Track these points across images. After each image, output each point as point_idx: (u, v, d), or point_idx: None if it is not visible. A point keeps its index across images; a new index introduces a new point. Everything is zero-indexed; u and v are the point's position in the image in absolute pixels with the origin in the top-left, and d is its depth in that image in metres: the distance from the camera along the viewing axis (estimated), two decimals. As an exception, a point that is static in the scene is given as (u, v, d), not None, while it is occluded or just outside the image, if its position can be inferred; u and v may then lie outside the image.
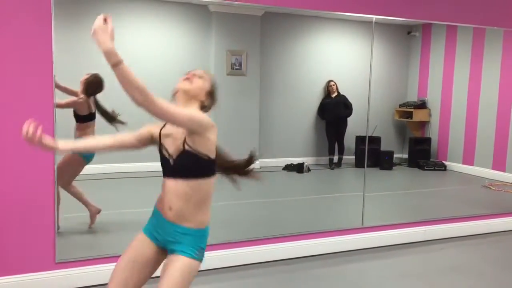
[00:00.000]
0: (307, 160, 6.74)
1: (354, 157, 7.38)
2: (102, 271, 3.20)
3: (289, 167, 6.80)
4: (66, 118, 5.91)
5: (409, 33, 7.95)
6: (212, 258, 3.51)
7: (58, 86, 3.52)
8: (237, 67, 6.88)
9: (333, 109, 7.34)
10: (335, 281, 3.37)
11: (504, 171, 6.30)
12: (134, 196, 5.32)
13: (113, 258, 3.24)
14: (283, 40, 7.30)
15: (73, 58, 6.13)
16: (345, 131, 7.39)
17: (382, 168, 7.27)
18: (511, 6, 4.54)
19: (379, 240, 4.11)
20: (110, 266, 3.23)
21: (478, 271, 3.63)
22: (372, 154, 6.92)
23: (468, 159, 6.96)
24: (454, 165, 7.17)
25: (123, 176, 6.04)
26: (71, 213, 4.28)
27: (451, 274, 3.55)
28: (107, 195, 5.28)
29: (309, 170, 6.69)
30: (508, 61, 6.27)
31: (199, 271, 3.43)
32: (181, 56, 6.70)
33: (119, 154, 6.14)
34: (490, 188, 5.97)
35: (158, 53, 6.58)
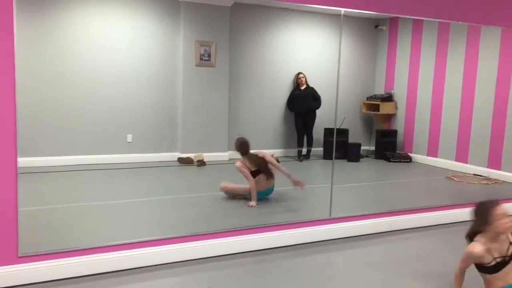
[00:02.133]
0: (276, 152, 6.78)
1: (322, 149, 7.46)
2: (66, 265, 3.13)
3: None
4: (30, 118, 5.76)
5: (376, 26, 8.06)
6: (182, 250, 3.49)
7: None
8: (206, 58, 6.82)
9: (302, 101, 7.38)
10: (302, 271, 3.40)
11: (466, 162, 6.49)
12: (97, 189, 5.22)
13: (78, 251, 3.18)
14: (253, 32, 7.28)
15: (36, 54, 5.96)
16: (313, 123, 7.45)
17: (350, 160, 7.38)
18: (475, 1, 4.65)
19: (347, 231, 4.17)
20: (74, 260, 3.17)
21: (441, 259, 3.73)
22: (340, 146, 7.02)
23: (433, 151, 7.13)
24: (419, 157, 7.34)
25: (87, 168, 5.93)
26: (34, 206, 4.17)
27: (415, 263, 3.64)
28: (72, 188, 5.18)
29: (278, 162, 6.72)
30: (472, 55, 6.44)
31: (168, 263, 3.40)
32: (148, 47, 6.60)
33: (87, 146, 5.99)
34: (453, 180, 6.14)
35: (124, 43, 6.46)
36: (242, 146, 4.83)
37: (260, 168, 4.78)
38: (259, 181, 4.79)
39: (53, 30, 5.98)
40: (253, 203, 4.63)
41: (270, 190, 4.92)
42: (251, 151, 4.84)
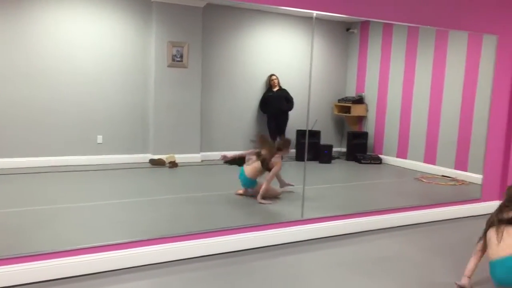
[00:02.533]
0: (249, 154, 6.75)
1: (294, 150, 7.51)
2: (37, 269, 3.06)
3: (230, 161, 6.78)
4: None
5: (348, 30, 8.16)
6: (153, 253, 3.46)
7: None
8: (178, 59, 6.78)
9: (275, 103, 7.41)
10: (273, 273, 3.42)
11: (434, 164, 6.63)
12: (67, 190, 5.12)
13: (49, 254, 3.12)
14: (225, 33, 7.27)
15: (4, 53, 5.81)
16: (286, 125, 7.49)
17: (322, 161, 7.44)
18: (443, 6, 4.77)
19: (318, 232, 4.21)
20: (46, 264, 3.11)
21: (409, 259, 3.81)
22: (312, 148, 7.07)
23: (402, 153, 7.26)
24: (389, 159, 7.47)
25: (56, 170, 5.82)
26: (3, 208, 4.07)
27: (384, 263, 3.70)
28: (41, 190, 5.07)
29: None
30: (440, 59, 6.59)
31: (140, 265, 3.37)
32: (119, 46, 6.51)
33: (56, 147, 5.84)
34: (422, 181, 6.27)
35: (95, 43, 6.35)
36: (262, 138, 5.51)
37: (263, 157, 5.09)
38: (254, 166, 5.09)
39: (22, 29, 5.84)
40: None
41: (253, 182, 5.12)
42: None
